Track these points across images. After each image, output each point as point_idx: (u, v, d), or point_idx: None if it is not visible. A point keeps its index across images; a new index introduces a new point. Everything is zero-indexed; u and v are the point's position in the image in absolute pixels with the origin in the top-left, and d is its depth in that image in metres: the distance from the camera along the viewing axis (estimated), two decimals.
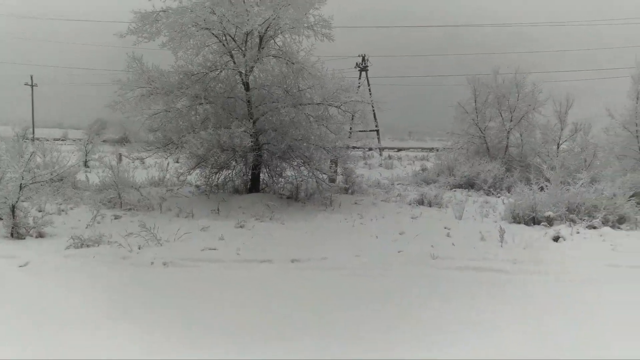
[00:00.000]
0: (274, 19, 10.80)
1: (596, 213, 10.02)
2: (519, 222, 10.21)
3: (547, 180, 11.19)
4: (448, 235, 8.80)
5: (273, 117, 12.21)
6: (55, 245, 7.50)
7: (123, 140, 23.80)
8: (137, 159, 12.96)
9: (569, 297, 5.83)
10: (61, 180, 9.50)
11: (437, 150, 21.95)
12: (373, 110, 19.17)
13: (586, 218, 10.03)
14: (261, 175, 13.01)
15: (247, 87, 11.85)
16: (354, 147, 15.01)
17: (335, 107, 11.99)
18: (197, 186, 13.25)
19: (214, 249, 7.52)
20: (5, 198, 8.08)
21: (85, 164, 20.94)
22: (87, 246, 7.42)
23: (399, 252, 7.61)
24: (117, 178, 11.13)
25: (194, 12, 10.49)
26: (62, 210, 10.17)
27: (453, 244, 8.10)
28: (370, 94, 26.58)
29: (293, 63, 11.57)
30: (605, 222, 9.85)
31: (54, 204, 10.19)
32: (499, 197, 14.40)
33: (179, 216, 10.09)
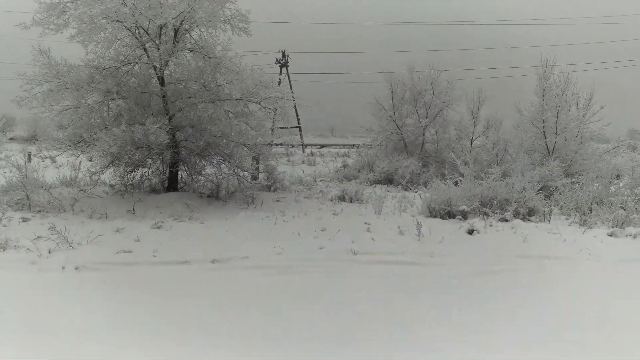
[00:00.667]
0: (189, 11, 10.47)
1: (508, 206, 10.54)
2: (435, 216, 10.54)
3: (462, 175, 11.66)
4: (368, 230, 8.95)
5: (190, 113, 11.84)
6: None
7: (33, 138, 22.35)
8: (47, 157, 12.18)
9: (483, 287, 6.13)
10: None
11: (358, 146, 22.22)
12: (295, 107, 19.16)
13: (498, 211, 10.52)
14: (180, 173, 12.58)
15: (162, 82, 11.42)
16: (276, 144, 14.93)
17: (255, 103, 11.85)
18: (112, 186, 12.61)
19: (130, 252, 7.20)
20: None
21: None
22: None
23: (320, 248, 7.66)
24: (25, 178, 10.43)
25: (104, 3, 9.94)
26: None
27: (373, 239, 8.26)
28: (292, 90, 26.69)
29: (210, 57, 11.27)
30: (516, 215, 10.40)
31: None
32: (416, 192, 14.83)
33: (92, 217, 9.58)
